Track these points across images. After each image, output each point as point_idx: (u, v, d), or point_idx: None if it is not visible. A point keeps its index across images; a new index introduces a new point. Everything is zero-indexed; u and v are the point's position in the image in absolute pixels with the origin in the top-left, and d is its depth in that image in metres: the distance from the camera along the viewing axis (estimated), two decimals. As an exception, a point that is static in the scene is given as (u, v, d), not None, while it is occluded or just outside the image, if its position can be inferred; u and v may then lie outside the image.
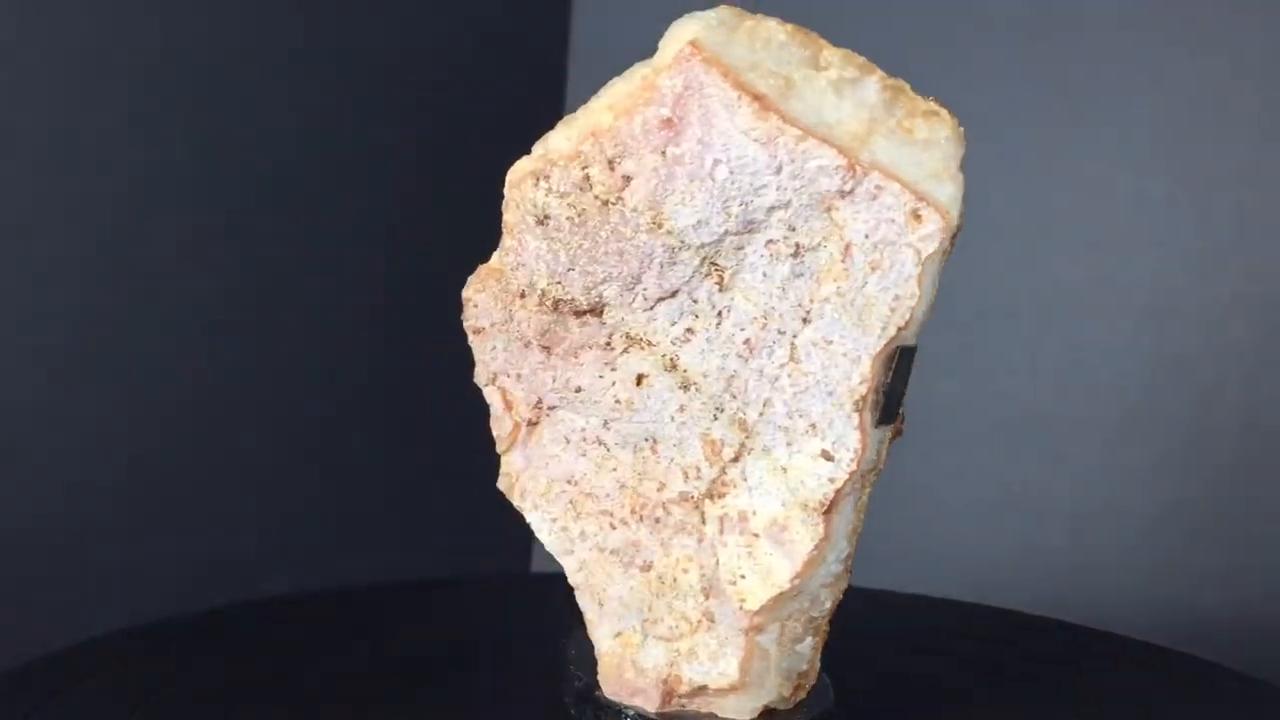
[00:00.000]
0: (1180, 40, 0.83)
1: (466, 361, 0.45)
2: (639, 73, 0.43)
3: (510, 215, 0.45)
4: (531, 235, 0.45)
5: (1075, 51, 0.86)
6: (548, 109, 1.15)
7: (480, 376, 0.48)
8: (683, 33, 0.43)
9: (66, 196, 0.78)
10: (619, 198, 0.44)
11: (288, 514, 0.89)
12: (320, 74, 0.90)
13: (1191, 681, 0.57)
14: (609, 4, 1.02)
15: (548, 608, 0.57)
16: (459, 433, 0.90)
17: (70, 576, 0.78)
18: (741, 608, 0.45)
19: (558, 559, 0.50)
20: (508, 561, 0.93)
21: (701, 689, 0.46)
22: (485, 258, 0.47)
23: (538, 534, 0.50)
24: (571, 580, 0.49)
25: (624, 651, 0.47)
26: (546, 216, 0.45)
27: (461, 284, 0.47)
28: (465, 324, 0.48)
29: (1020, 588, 0.80)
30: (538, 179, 0.45)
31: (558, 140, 0.45)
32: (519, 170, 0.45)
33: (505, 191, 0.45)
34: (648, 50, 0.44)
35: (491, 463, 0.50)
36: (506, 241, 0.46)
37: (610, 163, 0.43)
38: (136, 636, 0.58)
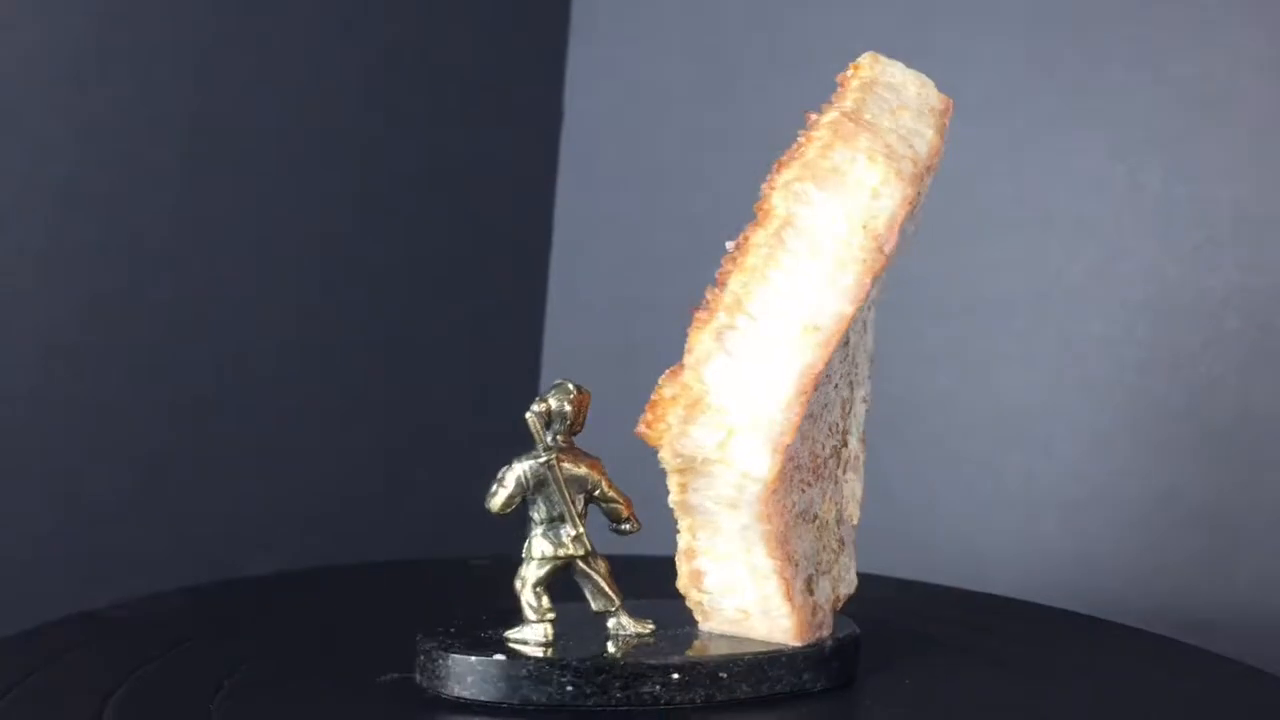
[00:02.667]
0: (1178, 33, 0.81)
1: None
2: (930, 106, 0.52)
3: (903, 218, 0.48)
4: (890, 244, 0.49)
5: (1073, 44, 0.84)
6: (549, 110, 0.99)
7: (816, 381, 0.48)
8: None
9: (66, 185, 0.78)
10: (911, 217, 0.52)
11: (286, 500, 0.89)
12: (323, 68, 0.89)
13: (1184, 665, 0.60)
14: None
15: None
16: (456, 420, 0.95)
17: (64, 561, 0.80)
18: (853, 524, 0.56)
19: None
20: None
21: (848, 599, 0.55)
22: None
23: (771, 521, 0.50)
24: (774, 554, 0.51)
25: (814, 598, 0.52)
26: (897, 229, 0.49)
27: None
28: (841, 332, 0.47)
29: (1013, 578, 0.78)
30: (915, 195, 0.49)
31: (897, 161, 0.49)
32: (909, 179, 0.48)
33: (904, 195, 0.48)
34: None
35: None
36: (888, 247, 0.48)
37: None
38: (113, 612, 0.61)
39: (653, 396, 0.49)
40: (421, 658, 0.51)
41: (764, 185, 0.50)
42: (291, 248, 0.89)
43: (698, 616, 0.53)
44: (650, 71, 0.99)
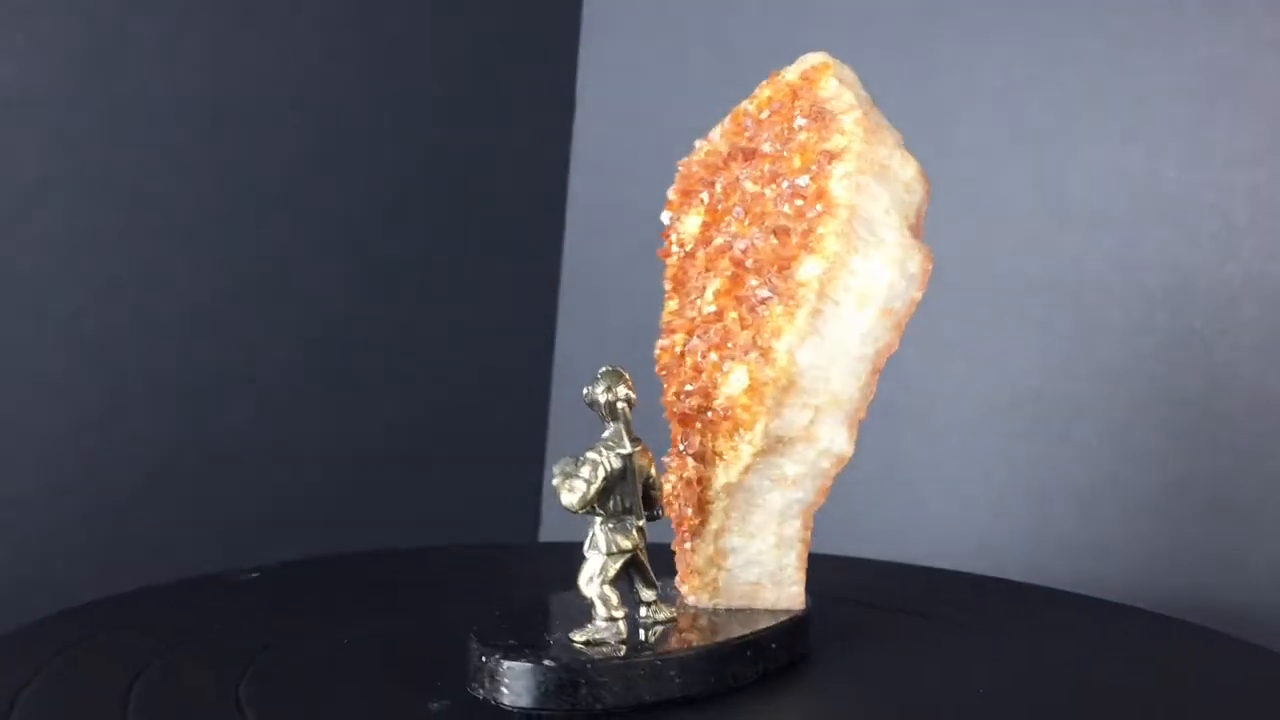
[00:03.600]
0: (1196, 18, 0.79)
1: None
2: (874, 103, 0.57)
3: (925, 210, 0.53)
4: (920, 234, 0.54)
5: (1090, 29, 0.83)
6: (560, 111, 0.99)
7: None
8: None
9: (76, 178, 0.79)
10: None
11: (295, 493, 0.89)
12: (334, 59, 0.90)
13: (1195, 644, 0.59)
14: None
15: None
16: (465, 414, 0.89)
17: (76, 551, 0.80)
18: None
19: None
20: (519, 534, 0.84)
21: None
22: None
23: (826, 494, 0.52)
24: (809, 524, 0.53)
25: (803, 564, 0.56)
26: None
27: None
28: (910, 315, 0.51)
29: (1028, 566, 0.79)
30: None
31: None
32: (923, 174, 0.53)
33: (926, 189, 0.52)
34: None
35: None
36: (919, 237, 0.52)
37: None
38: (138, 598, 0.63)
39: (747, 381, 0.50)
40: (507, 667, 0.46)
41: (781, 173, 0.52)
42: (304, 240, 0.90)
43: (704, 594, 0.54)
44: (662, 62, 0.97)
